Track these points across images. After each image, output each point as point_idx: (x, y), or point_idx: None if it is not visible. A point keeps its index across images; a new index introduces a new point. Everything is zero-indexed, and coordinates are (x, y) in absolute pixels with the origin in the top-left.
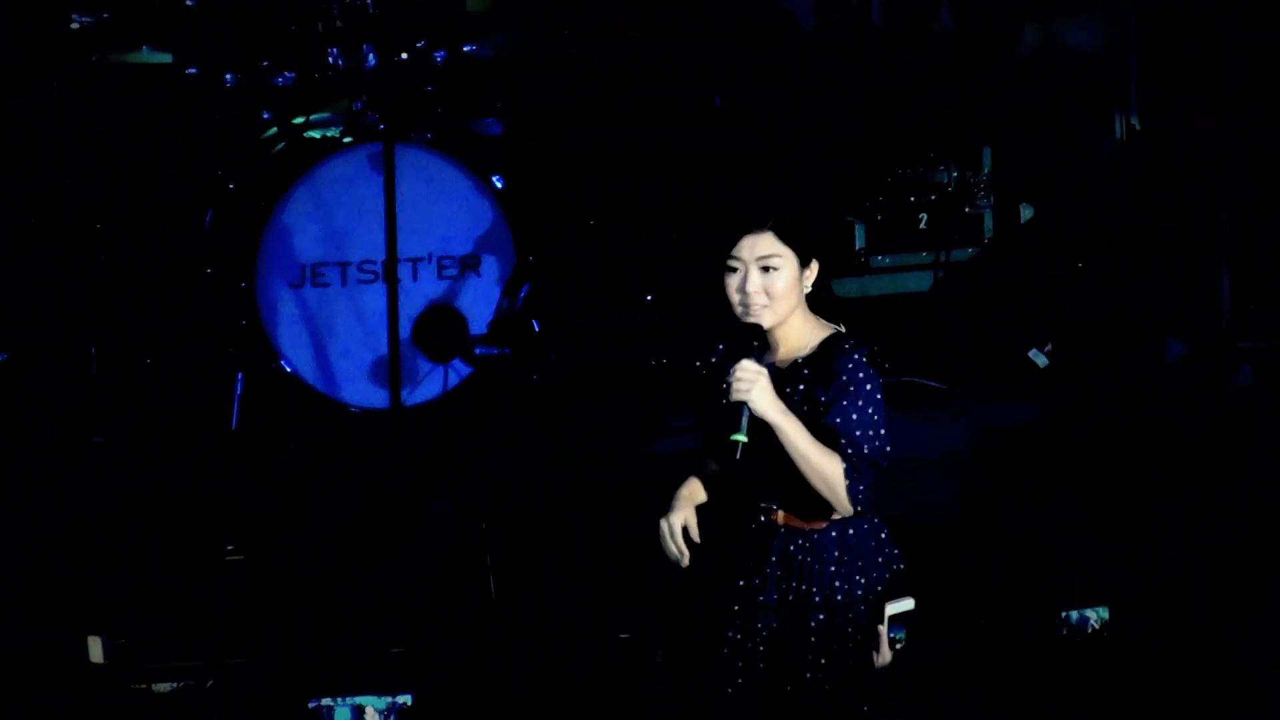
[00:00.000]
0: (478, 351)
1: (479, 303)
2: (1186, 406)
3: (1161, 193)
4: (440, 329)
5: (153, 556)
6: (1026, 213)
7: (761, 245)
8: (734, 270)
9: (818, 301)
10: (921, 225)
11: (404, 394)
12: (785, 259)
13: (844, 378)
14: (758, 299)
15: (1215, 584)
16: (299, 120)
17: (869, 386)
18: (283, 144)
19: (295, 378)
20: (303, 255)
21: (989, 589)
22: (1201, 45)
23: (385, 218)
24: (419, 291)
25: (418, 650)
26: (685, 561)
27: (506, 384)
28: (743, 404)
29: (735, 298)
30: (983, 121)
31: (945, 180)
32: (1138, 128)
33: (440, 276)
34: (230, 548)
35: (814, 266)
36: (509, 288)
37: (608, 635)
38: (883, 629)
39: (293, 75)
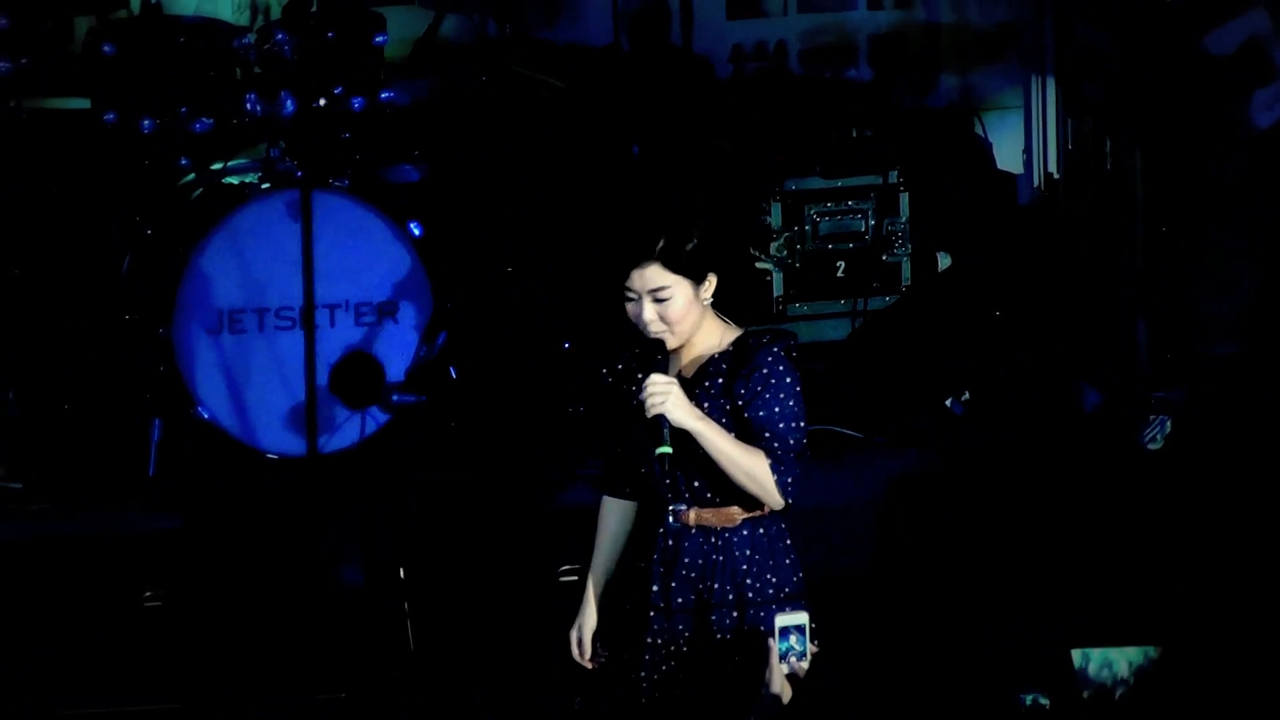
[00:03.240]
0: (395, 399)
1: (396, 350)
2: (1102, 456)
3: (1079, 241)
4: (357, 376)
5: (70, 602)
6: (944, 261)
7: (650, 277)
8: (631, 300)
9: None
10: (839, 273)
11: (321, 441)
12: (676, 286)
13: (764, 370)
14: (655, 326)
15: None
16: (217, 166)
17: (789, 380)
18: (200, 190)
19: (213, 425)
20: (220, 302)
21: (906, 637)
22: (1116, 93)
23: (303, 264)
24: (336, 338)
25: (339, 699)
26: (591, 667)
27: (424, 431)
28: (661, 416)
29: (637, 323)
30: (899, 169)
31: (863, 228)
32: (1055, 176)
33: (358, 323)
34: (148, 594)
35: (711, 279)
36: (426, 335)
37: (524, 682)
38: (772, 642)
39: (210, 121)
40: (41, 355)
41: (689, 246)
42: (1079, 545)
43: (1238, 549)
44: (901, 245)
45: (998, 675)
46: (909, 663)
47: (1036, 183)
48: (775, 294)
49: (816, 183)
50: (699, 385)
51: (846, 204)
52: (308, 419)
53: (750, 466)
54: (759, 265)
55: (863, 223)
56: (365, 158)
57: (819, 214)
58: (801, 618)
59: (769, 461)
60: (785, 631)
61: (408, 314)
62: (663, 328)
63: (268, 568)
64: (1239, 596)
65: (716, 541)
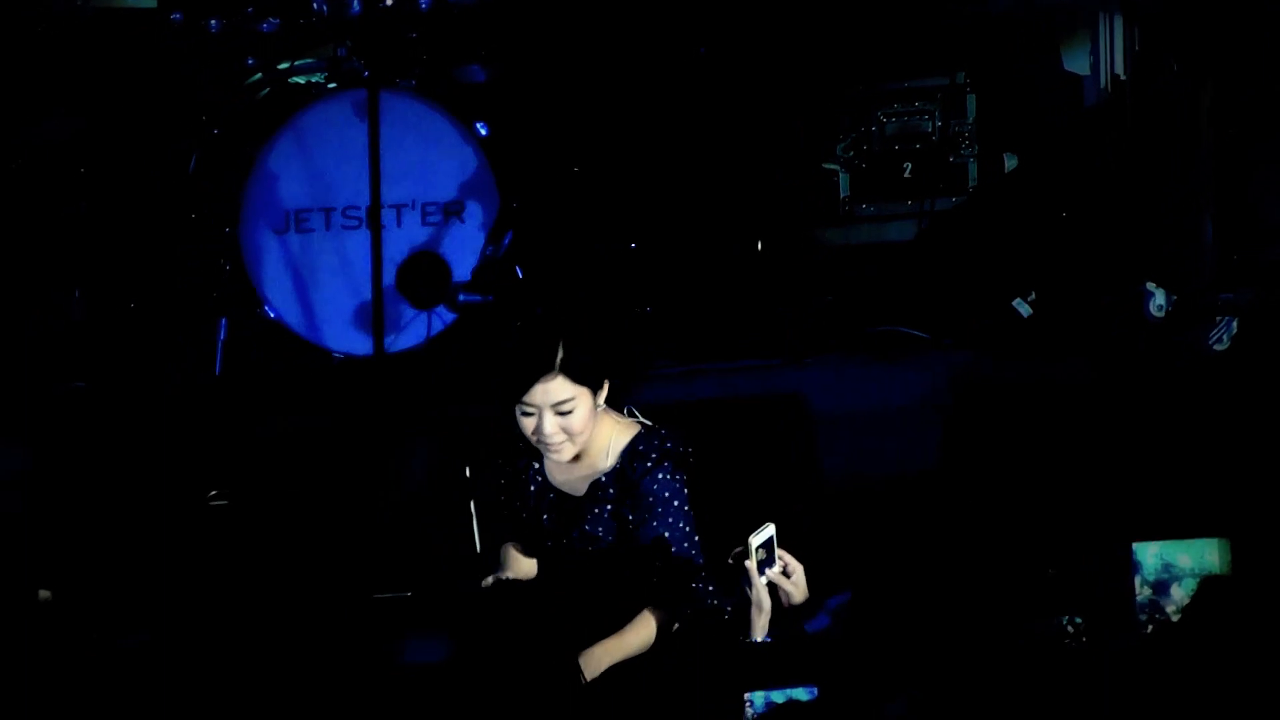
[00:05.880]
0: (461, 298)
1: (463, 249)
2: (1168, 357)
3: (1145, 142)
4: (424, 275)
5: (135, 501)
6: (1011, 162)
7: (554, 391)
8: (528, 414)
9: (802, 252)
10: (906, 174)
11: (387, 340)
12: (579, 396)
13: (650, 499)
14: (557, 439)
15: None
16: (283, 66)
17: (675, 502)
18: (267, 90)
19: (279, 324)
20: (287, 201)
21: (974, 544)
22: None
23: (369, 164)
24: (403, 238)
25: (404, 598)
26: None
27: (489, 331)
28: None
29: (532, 438)
30: (967, 70)
31: (929, 129)
32: (1122, 77)
33: (424, 223)
34: (214, 493)
35: (606, 384)
36: (493, 234)
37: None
38: (750, 563)
39: (277, 21)
40: (107, 255)
41: (591, 354)
42: (1145, 447)
43: None
44: (968, 146)
45: (1047, 588)
46: (963, 574)
47: (1103, 84)
48: (842, 195)
49: (884, 84)
50: (590, 510)
51: (913, 105)
52: (374, 318)
53: (645, 641)
54: (825, 167)
55: (929, 124)
56: (432, 57)
57: (885, 115)
58: (769, 530)
59: (661, 614)
60: (758, 547)
61: (474, 214)
62: (563, 438)
63: (333, 467)
64: None
65: None
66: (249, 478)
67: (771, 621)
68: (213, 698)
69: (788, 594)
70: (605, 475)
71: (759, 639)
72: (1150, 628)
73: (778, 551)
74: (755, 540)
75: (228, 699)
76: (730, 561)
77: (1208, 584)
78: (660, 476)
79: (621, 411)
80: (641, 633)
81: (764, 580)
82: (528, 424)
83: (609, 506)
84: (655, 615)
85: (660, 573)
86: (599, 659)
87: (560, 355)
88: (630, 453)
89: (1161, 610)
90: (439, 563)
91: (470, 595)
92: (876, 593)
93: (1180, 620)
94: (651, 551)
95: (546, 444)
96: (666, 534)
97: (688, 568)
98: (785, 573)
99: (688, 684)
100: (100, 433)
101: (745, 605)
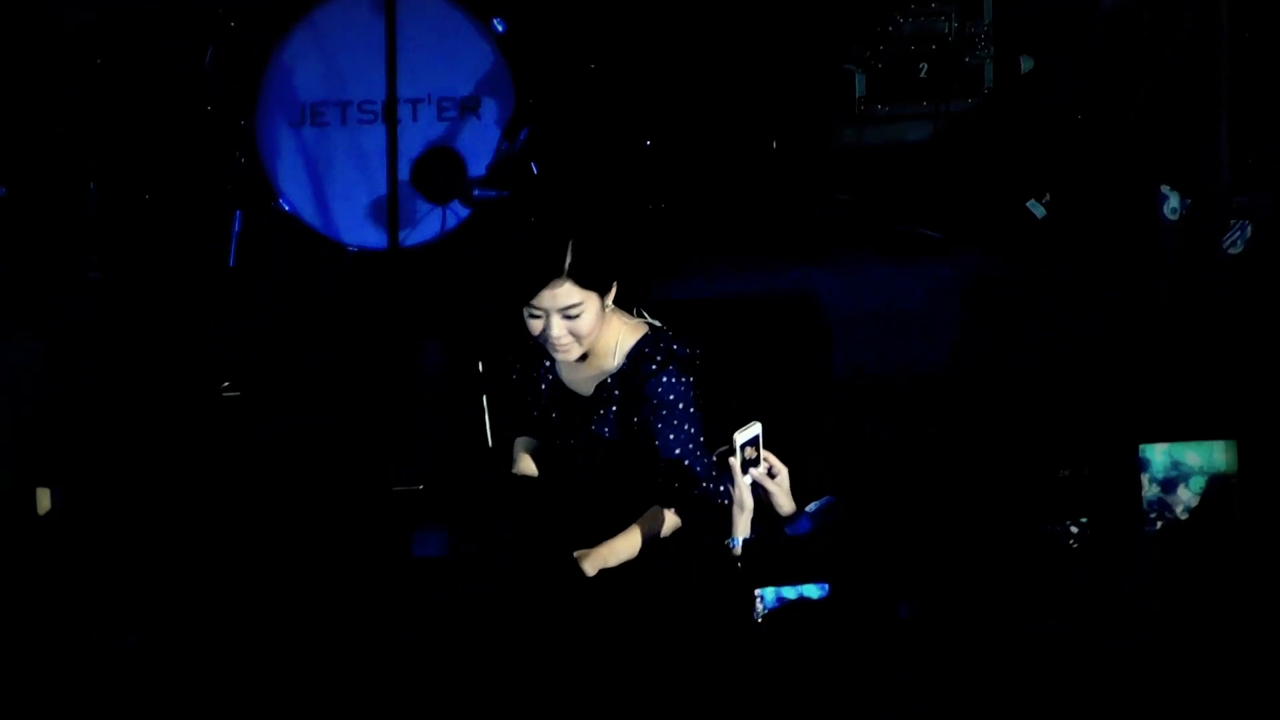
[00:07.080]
0: (476, 194)
1: (478, 145)
2: (1182, 260)
3: (1161, 44)
4: (439, 170)
5: (148, 392)
6: (1027, 64)
7: (562, 296)
8: (535, 317)
9: (817, 151)
10: (921, 75)
11: (402, 235)
12: (588, 300)
13: (654, 401)
14: (564, 342)
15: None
16: None
17: (680, 405)
18: None
19: (294, 217)
20: (303, 94)
21: (986, 442)
22: None
23: (385, 59)
24: (418, 133)
25: (417, 490)
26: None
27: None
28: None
29: (540, 339)
30: None
31: (946, 30)
32: None
33: (440, 118)
34: (226, 385)
35: (614, 286)
36: (508, 130)
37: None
38: (734, 461)
39: None
40: (123, 147)
41: (599, 258)
42: (1158, 348)
43: None
44: (984, 47)
45: (1058, 490)
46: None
47: None
48: (857, 95)
49: None
50: (596, 411)
51: (930, 5)
52: (389, 212)
53: (666, 529)
54: (842, 67)
55: (946, 25)
56: None
57: (902, 15)
58: (755, 428)
59: (674, 509)
60: (744, 445)
61: (490, 109)
62: (570, 341)
63: (346, 361)
64: None
65: None
66: (262, 371)
67: (753, 522)
68: (222, 599)
69: (773, 497)
70: (611, 377)
71: (740, 538)
72: (1159, 525)
73: (763, 453)
74: (740, 437)
75: (237, 599)
76: (715, 458)
77: (1215, 482)
78: (665, 380)
79: (631, 312)
80: (645, 532)
81: (747, 480)
82: (535, 326)
83: (614, 408)
84: (659, 516)
85: (665, 475)
86: (602, 558)
87: (569, 260)
88: (636, 355)
89: (1169, 508)
90: (449, 456)
91: (476, 490)
92: (863, 497)
93: (1188, 520)
94: (657, 454)
95: (553, 346)
96: (672, 436)
97: (693, 470)
98: (770, 474)
99: (697, 580)
100: (112, 326)
101: (729, 504)
